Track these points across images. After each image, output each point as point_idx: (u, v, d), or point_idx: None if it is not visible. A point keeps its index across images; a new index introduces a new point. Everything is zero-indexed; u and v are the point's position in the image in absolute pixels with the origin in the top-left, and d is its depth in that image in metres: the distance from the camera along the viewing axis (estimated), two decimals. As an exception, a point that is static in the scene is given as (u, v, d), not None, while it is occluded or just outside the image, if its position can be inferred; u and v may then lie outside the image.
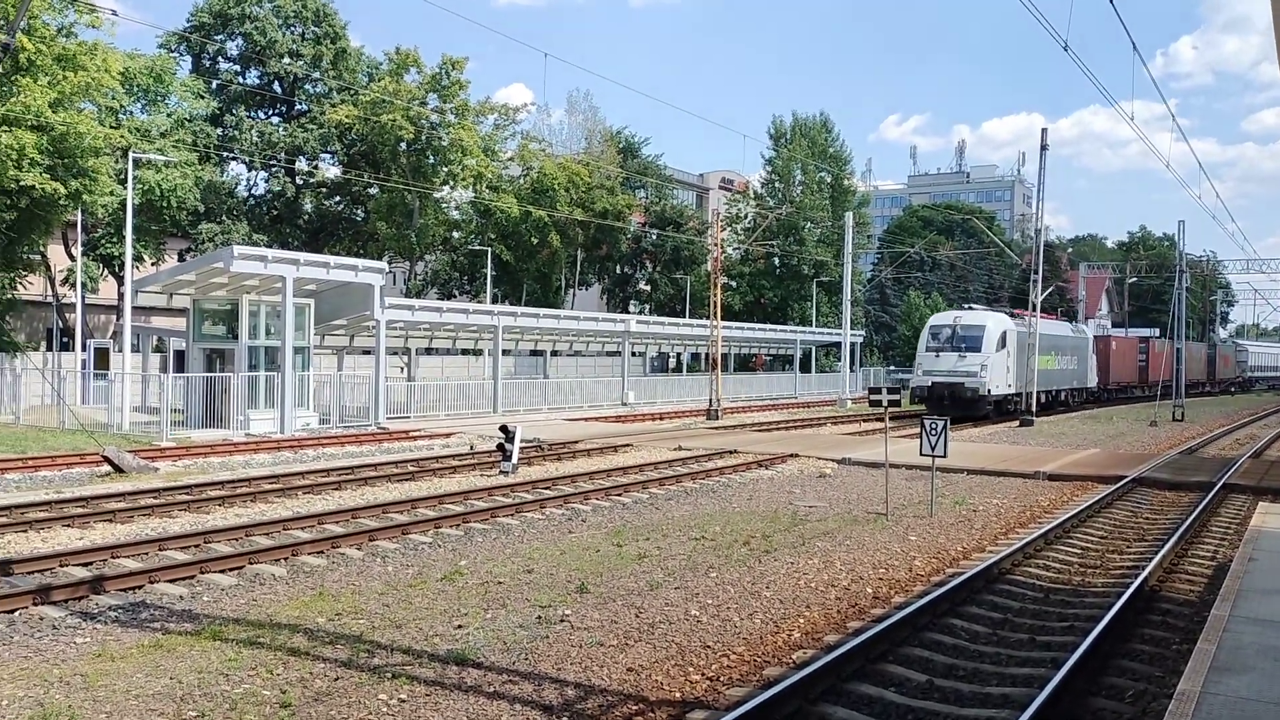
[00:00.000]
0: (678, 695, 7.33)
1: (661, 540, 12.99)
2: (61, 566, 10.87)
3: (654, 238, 70.17)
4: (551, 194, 55.39)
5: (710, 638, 8.72)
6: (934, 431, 15.02)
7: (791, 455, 23.03)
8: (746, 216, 75.06)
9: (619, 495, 16.93)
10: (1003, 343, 36.28)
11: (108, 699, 6.93)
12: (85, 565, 11.02)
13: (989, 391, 35.32)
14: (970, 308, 40.64)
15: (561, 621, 9.03)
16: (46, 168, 28.77)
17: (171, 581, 10.38)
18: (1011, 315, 39.42)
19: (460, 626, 8.83)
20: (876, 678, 7.66)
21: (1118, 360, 53.93)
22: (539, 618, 9.14)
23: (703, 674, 7.80)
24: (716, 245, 44.62)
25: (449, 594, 10.01)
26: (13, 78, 28.37)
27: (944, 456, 15.27)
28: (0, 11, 13.53)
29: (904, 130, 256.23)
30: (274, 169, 51.04)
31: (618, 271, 72.74)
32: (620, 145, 69.83)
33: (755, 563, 11.64)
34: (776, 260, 73.11)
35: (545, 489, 17.40)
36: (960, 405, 34.62)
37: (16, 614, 9.14)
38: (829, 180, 74.60)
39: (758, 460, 22.09)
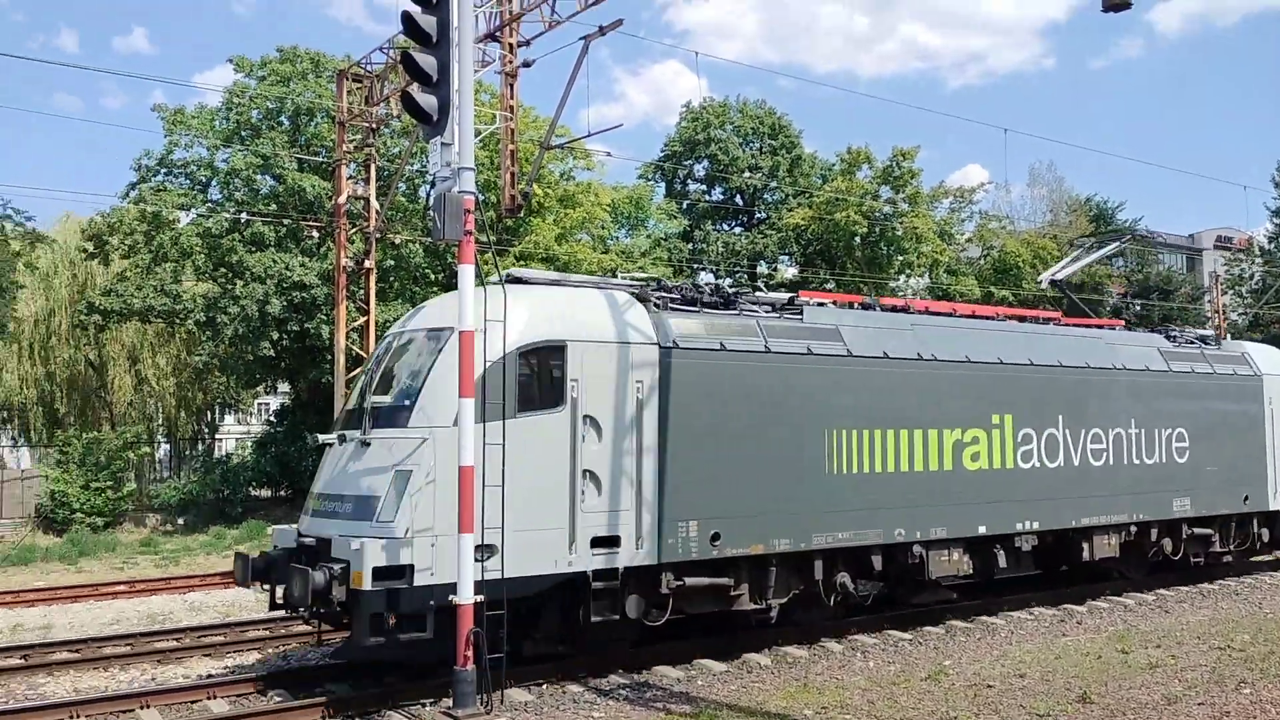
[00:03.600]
0: (1214, 831, 6.38)
1: (1175, 648, 11.53)
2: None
3: (1137, 308, 63.97)
4: (1016, 271, 52.98)
5: (1249, 766, 7.51)
6: None
7: (1337, 552, 19.35)
8: (1253, 276, 65.91)
9: (1116, 596, 15.32)
10: (532, 396, 10.10)
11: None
12: (596, 646, 12.18)
13: (412, 565, 9.25)
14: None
15: (1063, 733, 8.32)
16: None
17: (670, 664, 11.16)
18: (741, 297, 12.42)
19: (950, 729, 8.48)
20: None
21: None
22: (1036, 726, 8.50)
23: (1244, 808, 6.72)
24: (1217, 312, 39.67)
25: (935, 694, 9.67)
26: (528, 219, 33.54)
27: None
28: (519, 168, 18.04)
29: None
30: (738, 274, 54.47)
31: (1096, 347, 67.15)
32: (1091, 213, 65.22)
33: (1301, 680, 9.88)
34: (1296, 323, 63.09)
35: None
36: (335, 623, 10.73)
37: (544, 687, 10.33)
38: (1360, 225, 63.33)
39: (1291, 557, 18.86)
